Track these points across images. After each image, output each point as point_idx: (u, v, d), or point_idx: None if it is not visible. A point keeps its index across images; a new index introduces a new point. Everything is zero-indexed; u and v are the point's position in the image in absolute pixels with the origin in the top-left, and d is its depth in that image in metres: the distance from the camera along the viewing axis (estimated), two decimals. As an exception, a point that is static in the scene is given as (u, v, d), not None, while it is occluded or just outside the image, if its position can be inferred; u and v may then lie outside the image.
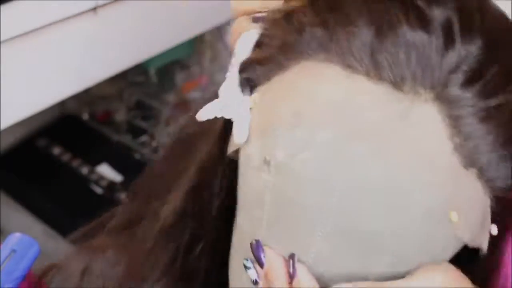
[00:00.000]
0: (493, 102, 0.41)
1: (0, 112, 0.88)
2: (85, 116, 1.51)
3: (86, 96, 1.45)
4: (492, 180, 0.43)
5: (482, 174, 0.42)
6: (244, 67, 0.46)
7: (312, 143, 0.41)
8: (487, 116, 0.41)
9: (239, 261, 0.46)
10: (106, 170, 1.37)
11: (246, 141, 0.45)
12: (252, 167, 0.44)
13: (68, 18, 0.93)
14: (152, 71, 1.45)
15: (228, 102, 0.46)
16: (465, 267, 0.45)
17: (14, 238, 0.52)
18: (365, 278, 0.43)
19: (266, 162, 0.43)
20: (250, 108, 0.45)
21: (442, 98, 0.41)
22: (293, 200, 0.42)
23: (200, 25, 1.16)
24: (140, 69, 1.40)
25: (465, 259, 0.47)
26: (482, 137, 0.41)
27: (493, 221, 0.45)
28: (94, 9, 0.96)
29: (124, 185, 1.33)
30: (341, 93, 0.41)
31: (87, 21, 0.96)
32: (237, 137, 0.45)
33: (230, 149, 0.47)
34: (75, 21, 0.94)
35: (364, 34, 0.41)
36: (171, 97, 1.46)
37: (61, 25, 0.93)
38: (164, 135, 1.41)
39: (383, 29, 0.41)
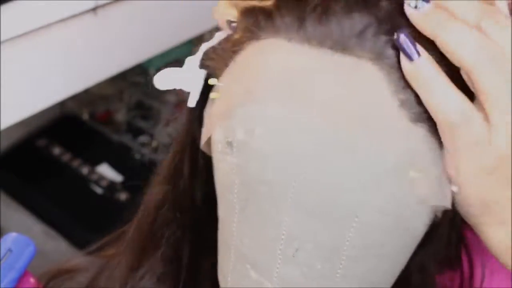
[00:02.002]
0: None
1: (0, 112, 0.88)
2: (85, 116, 1.51)
3: (86, 96, 1.45)
4: None
5: (433, 129, 0.42)
6: (205, 60, 0.47)
7: (264, 117, 0.42)
8: None
9: (224, 254, 0.46)
10: (106, 170, 1.38)
11: (212, 129, 0.45)
12: (219, 152, 0.45)
13: (68, 18, 0.93)
14: (152, 71, 1.45)
15: (186, 72, 0.47)
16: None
17: (10, 238, 0.52)
18: (339, 251, 0.43)
19: (229, 144, 0.43)
20: (213, 99, 0.46)
21: (382, 56, 0.41)
22: (258, 178, 0.43)
23: (200, 25, 1.16)
24: (140, 69, 1.40)
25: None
26: None
27: None
28: (94, 9, 0.96)
29: (124, 185, 1.33)
30: (285, 65, 0.42)
31: (87, 21, 0.96)
32: (190, 102, 0.47)
33: (202, 141, 0.47)
34: (75, 21, 0.94)
35: (302, 10, 0.42)
36: (171, 97, 1.46)
37: (61, 25, 0.93)
38: (164, 135, 1.41)
39: (319, 6, 0.42)
